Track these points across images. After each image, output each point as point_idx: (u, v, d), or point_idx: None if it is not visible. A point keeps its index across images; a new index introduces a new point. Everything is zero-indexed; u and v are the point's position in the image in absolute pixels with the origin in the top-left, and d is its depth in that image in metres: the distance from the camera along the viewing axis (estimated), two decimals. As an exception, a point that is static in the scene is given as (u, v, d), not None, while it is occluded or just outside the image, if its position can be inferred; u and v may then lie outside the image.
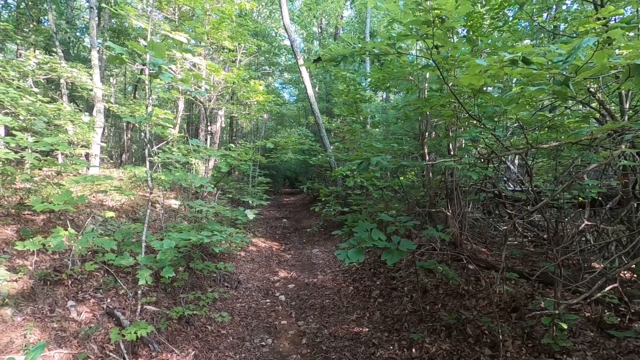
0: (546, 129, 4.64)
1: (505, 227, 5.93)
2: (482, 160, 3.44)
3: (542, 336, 2.97)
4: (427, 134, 5.73)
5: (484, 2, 5.60)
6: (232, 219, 6.98)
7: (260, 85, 7.16)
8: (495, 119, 4.16)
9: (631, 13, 5.18)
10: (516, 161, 7.37)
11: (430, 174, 5.95)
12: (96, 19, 8.33)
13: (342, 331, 4.21)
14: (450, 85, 3.71)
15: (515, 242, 5.82)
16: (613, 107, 3.91)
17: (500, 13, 5.81)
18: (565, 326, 2.82)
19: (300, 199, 17.26)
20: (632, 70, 1.39)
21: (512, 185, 6.46)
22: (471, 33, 5.55)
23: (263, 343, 4.04)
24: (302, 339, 4.14)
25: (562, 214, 4.85)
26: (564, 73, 1.85)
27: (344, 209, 7.87)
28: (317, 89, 17.27)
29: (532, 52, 1.91)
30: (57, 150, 4.29)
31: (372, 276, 5.75)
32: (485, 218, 6.90)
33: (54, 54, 8.11)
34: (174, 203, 7.37)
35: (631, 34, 3.96)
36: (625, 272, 4.03)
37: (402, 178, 6.73)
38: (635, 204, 3.55)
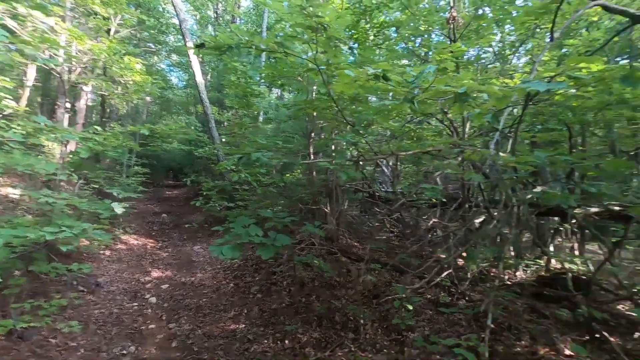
0: (413, 138, 5.39)
1: (375, 224, 6.67)
2: (354, 162, 3.80)
3: (393, 317, 3.45)
4: (313, 134, 5.98)
5: (368, 20, 6.16)
6: (96, 213, 6.04)
7: (137, 63, 6.33)
8: (370, 127, 4.64)
9: (478, 51, 6.43)
10: (390, 165, 8.37)
11: (314, 173, 6.25)
12: None
13: (218, 330, 4.08)
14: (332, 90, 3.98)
15: (383, 237, 6.58)
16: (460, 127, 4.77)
17: (381, 32, 6.49)
18: (410, 307, 3.33)
19: (184, 193, 16.02)
20: (455, 97, 1.73)
21: (385, 187, 7.30)
22: (358, 46, 6.06)
23: (124, 351, 3.61)
24: (172, 343, 3.85)
25: (420, 212, 5.71)
26: (415, 92, 2.18)
27: (230, 204, 7.65)
28: (209, 76, 16.30)
29: (392, 70, 2.17)
30: None
31: (253, 272, 5.73)
32: (362, 216, 7.64)
33: None
34: (13, 192, 5.99)
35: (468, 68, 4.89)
36: (460, 260, 4.98)
37: (288, 175, 6.90)
38: (467, 205, 4.42)
